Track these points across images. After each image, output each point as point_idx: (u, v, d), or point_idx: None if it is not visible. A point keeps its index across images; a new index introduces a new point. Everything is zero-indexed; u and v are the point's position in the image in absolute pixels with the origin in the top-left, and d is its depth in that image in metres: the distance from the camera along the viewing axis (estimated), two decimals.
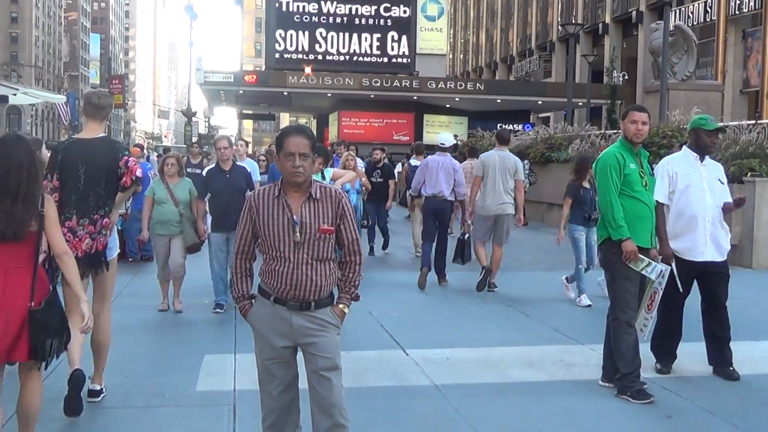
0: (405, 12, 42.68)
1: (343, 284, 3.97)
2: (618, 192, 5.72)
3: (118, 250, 5.77)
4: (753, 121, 16.19)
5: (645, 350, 6.13)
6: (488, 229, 10.21)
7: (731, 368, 6.21)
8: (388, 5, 42.47)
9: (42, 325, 4.05)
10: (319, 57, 42.01)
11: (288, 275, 3.78)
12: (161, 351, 7.13)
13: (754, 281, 11.04)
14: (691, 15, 35.37)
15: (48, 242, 4.22)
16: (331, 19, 42.53)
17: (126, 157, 5.42)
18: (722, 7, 33.38)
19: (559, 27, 46.23)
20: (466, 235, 10.57)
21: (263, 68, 48.59)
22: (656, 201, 5.98)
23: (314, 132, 4.81)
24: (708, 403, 5.61)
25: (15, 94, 20.00)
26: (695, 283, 6.31)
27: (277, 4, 42.26)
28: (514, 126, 36.17)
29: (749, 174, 12.48)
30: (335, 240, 3.91)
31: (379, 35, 42.66)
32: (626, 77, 39.61)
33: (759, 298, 9.72)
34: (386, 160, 15.18)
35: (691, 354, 6.51)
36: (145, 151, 21.18)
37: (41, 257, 4.23)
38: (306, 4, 42.24)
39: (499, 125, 33.35)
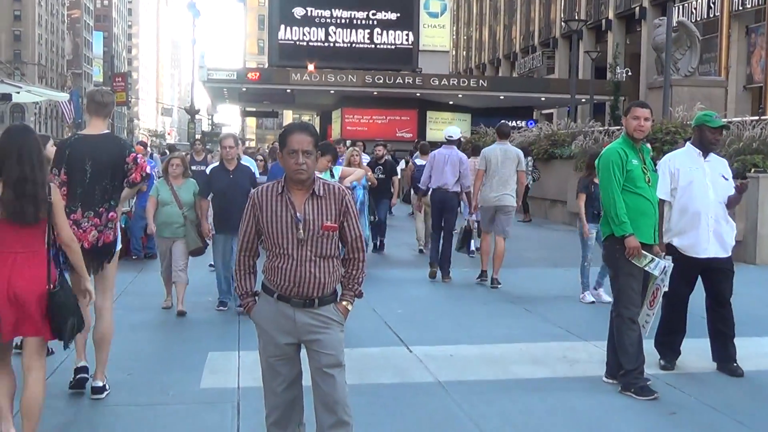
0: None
1: (346, 281, 3.96)
2: (621, 188, 5.72)
3: (121, 245, 5.85)
4: (756, 117, 16.14)
5: (649, 346, 6.13)
6: (490, 220, 10.44)
7: (735, 364, 6.21)
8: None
9: (61, 306, 4.28)
10: (324, 45, 42.50)
11: (291, 272, 3.78)
12: (165, 348, 7.14)
13: (758, 277, 11.02)
14: (694, 11, 35.29)
15: (55, 229, 4.39)
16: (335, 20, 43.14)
17: (134, 154, 5.60)
18: (725, 2, 33.29)
19: (562, 23, 46.10)
20: (474, 222, 10.93)
21: (266, 65, 48.63)
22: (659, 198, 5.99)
23: (317, 129, 4.81)
24: (712, 399, 5.61)
25: (18, 92, 20.03)
26: (699, 280, 6.31)
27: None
28: (517, 122, 36.11)
29: (753, 170, 12.46)
30: (339, 237, 3.91)
31: (379, 30, 43.26)
32: (629, 73, 39.49)
33: (763, 295, 9.70)
34: (388, 157, 15.17)
35: (695, 350, 6.50)
36: (148, 148, 21.21)
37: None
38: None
39: (502, 122, 33.37)
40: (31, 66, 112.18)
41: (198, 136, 28.78)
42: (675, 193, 6.20)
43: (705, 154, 6.23)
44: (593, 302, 9.06)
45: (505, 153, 10.32)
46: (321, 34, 44.08)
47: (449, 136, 11.05)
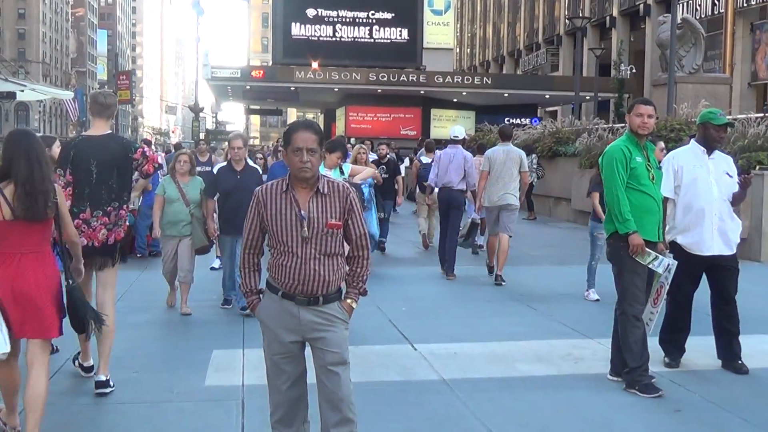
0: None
1: (350, 279, 3.97)
2: (624, 185, 5.72)
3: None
4: (761, 114, 16.09)
5: (653, 344, 6.13)
6: (494, 221, 10.64)
7: (740, 362, 6.20)
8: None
9: (78, 300, 4.57)
10: (328, 40, 42.65)
11: (296, 270, 3.78)
12: (170, 346, 7.15)
13: (763, 275, 10.99)
14: (699, 8, 35.22)
15: (62, 225, 4.57)
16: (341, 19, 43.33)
17: (140, 149, 5.81)
18: None
19: (567, 20, 46.10)
20: (477, 218, 11.12)
21: (270, 63, 48.66)
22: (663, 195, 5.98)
23: (321, 127, 4.83)
24: (717, 396, 5.60)
25: (23, 91, 20.10)
26: (704, 277, 6.31)
27: None
28: (522, 120, 36.14)
29: (757, 167, 12.43)
30: (343, 235, 3.91)
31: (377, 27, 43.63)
32: (634, 70, 39.44)
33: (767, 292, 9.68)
34: (391, 155, 15.16)
35: (700, 348, 6.49)
36: (152, 146, 21.23)
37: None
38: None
39: (506, 119, 33.36)
40: (35, 64, 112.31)
41: (202, 135, 28.77)
42: (679, 191, 6.19)
43: (709, 152, 6.22)
44: (598, 300, 9.05)
45: (507, 154, 10.52)
46: (329, 30, 44.28)
47: (454, 136, 11.24)
